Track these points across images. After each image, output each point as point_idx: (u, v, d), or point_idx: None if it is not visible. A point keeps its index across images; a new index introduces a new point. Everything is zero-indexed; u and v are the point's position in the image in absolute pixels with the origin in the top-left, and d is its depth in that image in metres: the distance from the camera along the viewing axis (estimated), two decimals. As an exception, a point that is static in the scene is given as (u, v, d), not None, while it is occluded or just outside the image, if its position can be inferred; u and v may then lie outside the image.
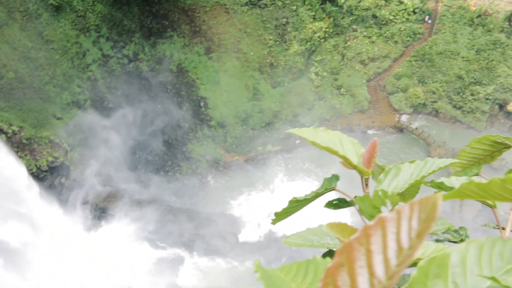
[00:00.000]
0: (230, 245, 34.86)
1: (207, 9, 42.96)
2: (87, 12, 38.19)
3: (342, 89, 45.60)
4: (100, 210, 35.19)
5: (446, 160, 1.66)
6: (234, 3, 43.66)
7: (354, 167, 1.53)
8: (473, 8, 49.27)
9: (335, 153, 1.52)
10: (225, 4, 43.40)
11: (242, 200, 39.37)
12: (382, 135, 44.57)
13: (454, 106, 46.51)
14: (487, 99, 46.29)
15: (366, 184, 1.58)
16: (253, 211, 37.03)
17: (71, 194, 34.09)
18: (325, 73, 45.62)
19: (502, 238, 0.89)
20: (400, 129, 45.26)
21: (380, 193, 1.43)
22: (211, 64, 42.45)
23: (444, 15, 49.40)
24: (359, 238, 0.64)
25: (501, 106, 47.49)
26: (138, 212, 35.16)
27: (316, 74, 45.28)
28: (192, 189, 39.45)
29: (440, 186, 1.88)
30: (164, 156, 39.86)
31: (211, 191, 39.97)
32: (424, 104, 46.52)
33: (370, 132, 44.47)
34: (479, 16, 48.53)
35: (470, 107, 46.07)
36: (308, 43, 45.36)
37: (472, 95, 46.19)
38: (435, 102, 46.67)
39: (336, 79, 46.00)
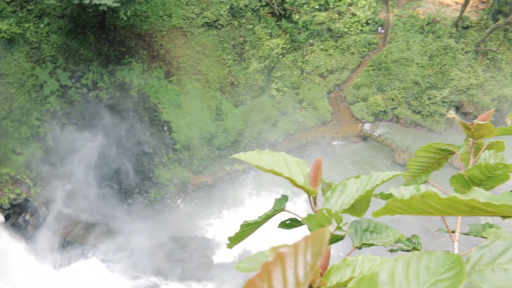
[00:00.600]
0: (205, 268, 34.42)
1: (164, 33, 42.97)
2: (42, 44, 37.56)
3: (304, 103, 46.21)
4: (69, 244, 34.19)
5: (389, 173, 1.70)
6: (190, 26, 43.86)
7: (301, 187, 1.55)
8: (422, 16, 51.08)
9: (279, 174, 1.53)
10: (181, 27, 43.53)
11: (214, 221, 39.07)
12: (347, 145, 45.26)
13: (414, 111, 47.78)
14: (443, 102, 47.77)
15: (314, 202, 1.59)
16: (225, 231, 36.70)
17: (36, 230, 33.03)
18: (286, 89, 46.17)
19: (428, 252, 0.94)
20: (364, 137, 46.09)
21: (324, 211, 1.46)
22: (172, 88, 42.31)
23: (396, 25, 50.99)
24: (260, 274, 0.64)
25: (458, 108, 49.10)
26: (108, 243, 34.35)
27: (277, 90, 45.78)
28: (162, 214, 38.91)
29: (389, 197, 1.94)
30: (131, 183, 39.22)
31: (182, 215, 39.52)
32: (384, 112, 47.60)
33: (335, 143, 45.09)
34: (428, 23, 50.33)
35: (428, 111, 47.42)
36: (267, 60, 45.90)
37: (429, 99, 47.60)
38: (395, 108, 47.84)
39: (297, 94, 46.61)
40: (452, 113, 2.20)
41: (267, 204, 36.33)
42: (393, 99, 47.77)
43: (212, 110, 43.31)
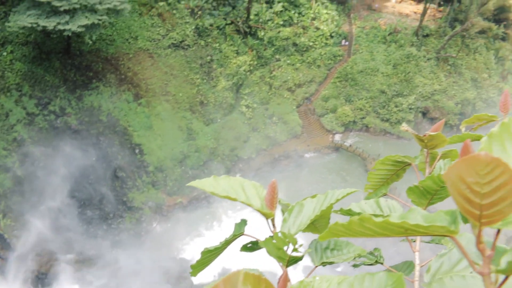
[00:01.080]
0: (185, 289, 33.97)
1: (131, 55, 42.81)
2: (5, 72, 36.91)
3: (274, 118, 46.53)
4: (42, 276, 33.27)
5: (344, 190, 1.70)
6: (157, 47, 43.83)
7: (258, 210, 1.57)
8: (384, 27, 52.42)
9: (234, 200, 1.56)
10: (148, 49, 43.47)
11: (191, 241, 38.70)
12: (320, 157, 45.67)
13: (382, 119, 48.67)
14: (410, 108, 48.86)
15: (273, 224, 1.59)
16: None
17: (8, 264, 32.06)
18: (255, 105, 46.44)
19: (370, 274, 1.01)
20: (336, 148, 46.62)
21: (280, 234, 1.49)
22: (142, 110, 42.05)
23: (359, 36, 52.13)
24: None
25: (424, 114, 50.29)
26: (84, 272, 33.57)
27: (247, 106, 46.01)
28: (138, 238, 38.32)
29: (349, 213, 1.98)
30: (105, 209, 38.57)
31: (159, 238, 39.01)
32: (354, 122, 48.32)
33: (307, 155, 45.45)
34: (390, 33, 51.67)
35: (396, 118, 48.38)
36: (235, 78, 46.17)
37: (396, 106, 48.61)
38: (363, 118, 48.62)
39: (267, 109, 46.92)
40: (404, 126, 2.24)
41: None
42: (361, 109, 48.58)
43: (183, 130, 43.16)
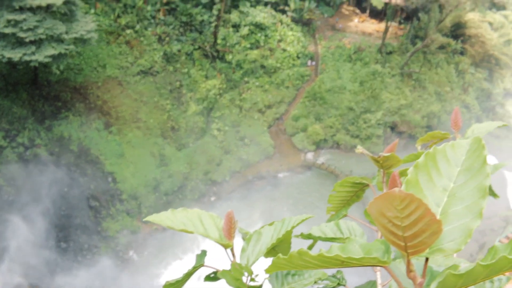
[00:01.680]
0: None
1: (100, 84, 42.71)
2: (-29, 106, 36.36)
3: (246, 140, 46.83)
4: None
5: (300, 217, 1.70)
6: (125, 75, 43.87)
7: (216, 241, 1.61)
8: (349, 46, 53.80)
9: (191, 232, 1.61)
10: (117, 77, 43.46)
11: (170, 267, 38.29)
12: (293, 176, 46.06)
13: (352, 136, 49.52)
14: (378, 124, 49.92)
15: (232, 254, 1.63)
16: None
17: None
18: (226, 128, 46.70)
19: None
20: (308, 167, 47.10)
21: (236, 265, 1.55)
22: (113, 138, 41.81)
23: (325, 56, 53.30)
24: None
25: (392, 128, 51.45)
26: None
27: (218, 130, 46.23)
28: (115, 269, 37.68)
29: (309, 237, 2.04)
30: (79, 240, 37.91)
31: (136, 266, 38.45)
32: (325, 140, 49.01)
33: (280, 175, 45.77)
34: (355, 52, 53.02)
35: (366, 134, 49.31)
36: (205, 102, 46.46)
37: (365, 122, 49.59)
38: (334, 135, 49.39)
39: (238, 131, 47.22)
40: (360, 148, 2.25)
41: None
42: (331, 127, 49.38)
43: (155, 156, 43.03)
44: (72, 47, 35.29)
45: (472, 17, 58.24)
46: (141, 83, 44.46)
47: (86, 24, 36.14)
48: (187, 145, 44.93)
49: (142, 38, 45.42)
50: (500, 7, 66.29)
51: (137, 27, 45.32)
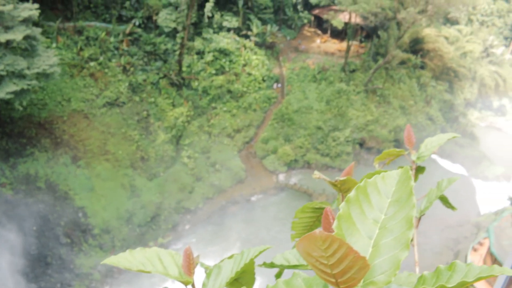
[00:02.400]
0: None
1: (65, 118, 42.10)
2: None
3: (217, 165, 46.74)
4: None
5: (259, 248, 1.72)
6: (91, 108, 43.41)
7: (176, 279, 1.59)
8: (313, 66, 54.79)
9: (149, 272, 1.59)
10: (82, 110, 42.95)
11: (146, 302, 37.44)
12: (266, 198, 46.05)
13: (322, 155, 50.02)
14: (347, 141, 50.62)
15: None
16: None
17: None
18: (196, 154, 46.55)
19: None
20: (281, 188, 47.22)
21: None
22: (81, 172, 41.08)
23: (290, 77, 54.09)
24: None
25: (361, 145, 52.24)
26: None
27: (188, 157, 46.04)
28: (89, 306, 36.63)
29: (272, 265, 2.05)
30: (51, 279, 36.75)
31: (111, 302, 37.49)
32: (295, 160, 49.33)
33: (253, 198, 45.70)
34: (319, 72, 54.01)
35: (335, 152, 49.88)
36: (174, 130, 46.29)
37: (334, 140, 50.21)
38: (304, 155, 49.78)
39: (208, 158, 47.12)
40: (317, 174, 2.24)
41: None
42: (301, 147, 49.80)
43: (126, 188, 42.41)
44: (34, 82, 34.79)
45: (428, 32, 60.36)
46: (107, 114, 44.03)
47: (48, 59, 35.78)
48: (158, 175, 44.49)
49: (106, 70, 45.17)
50: (454, 22, 69.02)
51: (101, 59, 45.09)
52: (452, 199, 2.58)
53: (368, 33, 60.68)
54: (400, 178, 1.15)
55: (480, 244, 36.83)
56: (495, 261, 31.51)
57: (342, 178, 2.12)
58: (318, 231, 0.87)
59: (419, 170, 2.35)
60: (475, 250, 36.37)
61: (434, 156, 53.31)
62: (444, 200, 2.48)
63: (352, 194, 1.14)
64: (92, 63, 44.53)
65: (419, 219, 2.20)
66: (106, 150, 42.96)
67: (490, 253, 32.86)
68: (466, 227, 43.82)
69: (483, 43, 68.44)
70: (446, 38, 63.84)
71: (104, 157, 42.69)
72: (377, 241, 1.08)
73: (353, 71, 55.09)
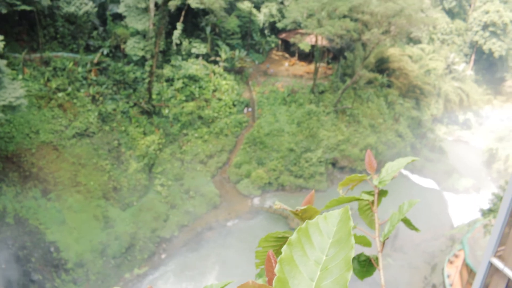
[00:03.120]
0: None
1: (33, 150, 41.27)
2: None
3: (190, 192, 46.43)
4: None
5: (221, 282, 1.69)
6: (60, 139, 42.73)
7: None
8: (282, 89, 55.48)
9: None
10: (51, 142, 42.22)
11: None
12: (242, 222, 45.83)
13: (295, 176, 50.29)
14: (320, 162, 51.08)
15: None
16: None
17: None
18: (170, 182, 46.18)
19: None
20: (256, 212, 47.13)
21: None
22: (52, 205, 40.14)
23: (260, 101, 54.57)
24: None
25: (334, 164, 52.80)
26: None
27: (162, 185, 45.64)
28: None
29: None
30: (23, 319, 35.44)
31: None
32: (269, 183, 49.44)
33: (229, 224, 45.43)
34: (289, 95, 54.70)
35: (309, 173, 50.23)
36: (145, 158, 45.92)
37: (306, 162, 50.60)
38: (278, 178, 49.96)
39: (182, 185, 46.79)
40: (278, 204, 2.25)
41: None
42: (274, 170, 49.99)
43: (99, 219, 41.59)
44: (0, 115, 34.13)
45: (393, 52, 62.08)
46: (77, 145, 43.38)
47: (15, 91, 35.21)
48: (131, 204, 43.85)
49: (75, 100, 44.68)
50: (417, 41, 71.28)
51: (69, 89, 44.63)
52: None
53: (334, 54, 62.02)
54: (341, 217, 1.20)
55: (456, 256, 37.39)
56: (470, 272, 32.01)
57: (302, 208, 2.12)
58: (251, 281, 0.92)
59: (382, 193, 2.44)
60: (451, 262, 36.89)
61: (405, 172, 54.24)
62: (407, 222, 2.56)
63: (293, 236, 1.17)
64: (60, 94, 44.00)
65: (383, 243, 2.27)
66: (77, 182, 42.18)
67: (465, 265, 33.38)
68: (441, 240, 44.46)
69: (445, 60, 70.84)
70: (410, 56, 65.78)
71: (76, 188, 41.88)
72: (319, 283, 1.10)
73: (322, 92, 55.99)
